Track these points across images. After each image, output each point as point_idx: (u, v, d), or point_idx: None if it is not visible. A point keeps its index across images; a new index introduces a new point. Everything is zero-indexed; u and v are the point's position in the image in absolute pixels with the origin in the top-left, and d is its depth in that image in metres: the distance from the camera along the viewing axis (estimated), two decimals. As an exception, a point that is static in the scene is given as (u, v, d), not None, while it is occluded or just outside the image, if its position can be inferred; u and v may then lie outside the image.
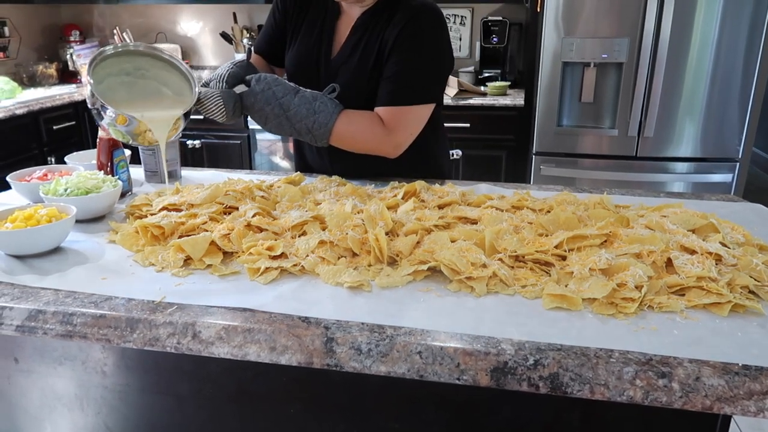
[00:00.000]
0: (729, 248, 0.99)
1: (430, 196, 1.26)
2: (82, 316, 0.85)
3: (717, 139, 2.58)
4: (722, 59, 2.47)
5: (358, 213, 1.15)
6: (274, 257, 0.99)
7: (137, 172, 1.54)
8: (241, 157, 3.24)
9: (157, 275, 0.97)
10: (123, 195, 1.38)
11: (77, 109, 3.14)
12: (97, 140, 1.36)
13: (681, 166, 2.63)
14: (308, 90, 1.28)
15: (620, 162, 2.65)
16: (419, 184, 1.28)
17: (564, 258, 0.98)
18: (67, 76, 3.64)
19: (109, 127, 1.21)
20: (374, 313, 0.84)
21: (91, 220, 1.22)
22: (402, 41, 1.30)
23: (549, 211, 1.17)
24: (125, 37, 3.71)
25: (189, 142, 3.25)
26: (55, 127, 2.96)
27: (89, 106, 1.21)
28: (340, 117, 1.29)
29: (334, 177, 1.44)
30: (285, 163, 3.25)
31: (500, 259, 0.97)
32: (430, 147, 1.50)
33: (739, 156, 2.58)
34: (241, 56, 2.14)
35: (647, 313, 0.85)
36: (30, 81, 3.48)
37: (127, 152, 1.51)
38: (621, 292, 0.87)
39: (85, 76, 1.13)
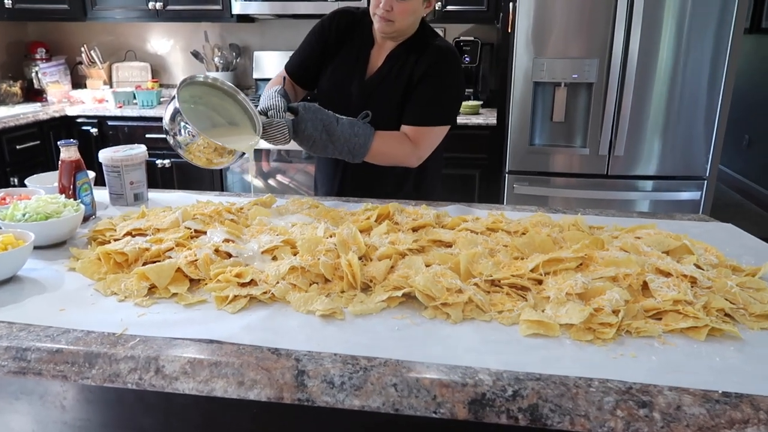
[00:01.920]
0: (703, 270, 0.99)
1: (404, 218, 1.24)
2: (37, 351, 0.80)
3: (685, 157, 2.62)
4: (688, 78, 2.53)
5: (331, 237, 1.12)
6: (243, 284, 0.96)
7: (102, 195, 1.49)
8: (212, 176, 3.19)
9: (120, 305, 0.92)
10: (86, 219, 1.33)
11: (42, 129, 3.06)
12: (59, 162, 1.31)
13: (650, 184, 2.67)
14: (344, 117, 1.44)
15: (592, 180, 2.68)
16: (393, 207, 1.26)
17: (540, 282, 0.97)
18: (32, 94, 3.55)
19: (185, 150, 1.27)
20: (347, 343, 0.81)
21: (51, 246, 1.16)
22: (429, 75, 1.53)
23: (524, 233, 1.16)
24: (93, 55, 3.64)
25: (158, 161, 3.18)
26: (18, 147, 2.87)
27: (166, 128, 1.27)
28: (375, 138, 1.47)
29: (306, 199, 1.41)
30: (258, 182, 3.21)
31: (476, 284, 0.96)
32: (430, 167, 1.65)
33: (707, 174, 2.63)
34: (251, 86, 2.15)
35: (625, 339, 0.83)
36: (-7, 99, 3.38)
37: (91, 174, 1.46)
38: (598, 317, 0.86)
39: (173, 102, 1.25)
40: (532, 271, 0.98)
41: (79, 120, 3.23)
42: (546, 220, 1.22)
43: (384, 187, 1.63)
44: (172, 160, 3.19)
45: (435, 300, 0.91)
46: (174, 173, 3.21)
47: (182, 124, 1.23)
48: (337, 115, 1.43)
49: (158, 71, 3.81)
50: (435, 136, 1.57)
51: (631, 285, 0.94)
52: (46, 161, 3.05)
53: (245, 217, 1.28)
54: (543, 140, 2.75)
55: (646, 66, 2.52)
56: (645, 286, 0.94)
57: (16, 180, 2.85)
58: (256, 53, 3.61)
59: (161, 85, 3.69)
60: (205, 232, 1.15)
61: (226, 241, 1.09)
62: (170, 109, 1.24)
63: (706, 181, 2.64)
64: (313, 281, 0.98)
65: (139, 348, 0.80)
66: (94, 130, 3.22)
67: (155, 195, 1.54)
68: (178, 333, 0.84)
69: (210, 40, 3.65)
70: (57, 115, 3.16)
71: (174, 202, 1.46)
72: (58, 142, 1.31)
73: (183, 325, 0.86)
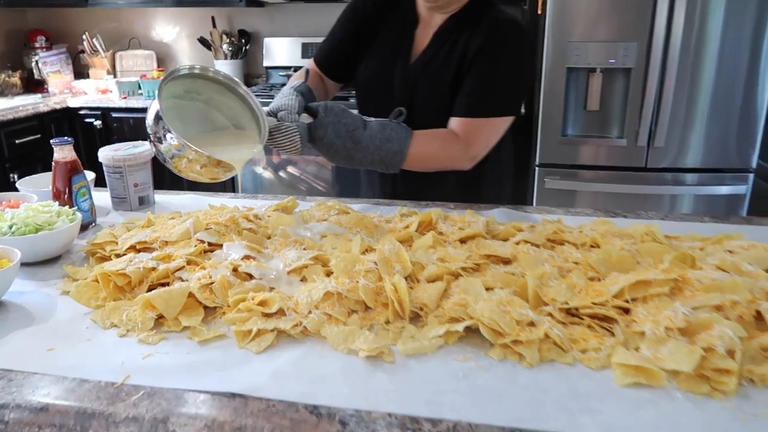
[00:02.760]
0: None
1: (449, 227, 1.07)
2: (17, 409, 0.65)
3: (730, 148, 2.43)
4: (737, 62, 2.33)
5: (366, 251, 0.96)
6: (268, 315, 0.80)
7: (104, 197, 1.33)
8: (222, 170, 3.02)
9: (121, 342, 0.77)
10: (85, 228, 1.17)
11: (43, 122, 2.90)
12: (53, 163, 1.15)
13: (692, 178, 2.48)
14: (373, 119, 1.17)
15: (629, 174, 2.49)
16: (435, 213, 1.09)
17: (627, 311, 0.80)
18: (33, 85, 3.40)
19: (172, 161, 1.01)
20: (403, 397, 0.65)
21: (43, 263, 1.01)
22: (484, 53, 1.24)
23: (594, 246, 0.99)
24: (96, 43, 3.47)
25: (165, 155, 3.02)
26: (17, 141, 2.72)
27: (149, 132, 1.01)
28: (413, 141, 1.18)
29: (332, 202, 1.25)
30: (267, 174, 3.03)
31: (549, 314, 0.79)
32: (493, 166, 1.38)
33: (753, 166, 2.44)
34: (272, 80, 1.89)
35: (749, 390, 0.67)
36: (-8, 90, 3.23)
37: (91, 176, 1.30)
38: (710, 360, 0.69)
39: (155, 102, 0.98)
40: (615, 296, 0.81)
41: (81, 112, 3.08)
42: (615, 230, 1.04)
43: (445, 189, 1.36)
44: (180, 153, 3.03)
45: (504, 336, 0.74)
46: (182, 167, 3.05)
47: (164, 128, 0.97)
48: (365, 117, 1.17)
49: (164, 60, 3.64)
50: (492, 130, 1.27)
51: (741, 316, 0.77)
52: (47, 156, 2.87)
53: (265, 226, 1.11)
54: (576, 131, 2.56)
55: (690, 49, 2.32)
56: (758, 316, 0.77)
57: (16, 176, 2.70)
58: (266, 40, 3.43)
59: (167, 74, 3.52)
60: (220, 246, 0.99)
61: (246, 258, 0.93)
62: (153, 108, 0.98)
63: (752, 174, 2.45)
64: (352, 309, 0.82)
65: (144, 405, 0.64)
66: (97, 123, 3.06)
67: (163, 197, 1.38)
68: (192, 383, 0.68)
69: (218, 26, 3.47)
70: (58, 107, 3.00)
71: (183, 206, 1.30)
72: (51, 141, 1.14)
73: (197, 371, 0.70)
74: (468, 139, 1.25)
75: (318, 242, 1.01)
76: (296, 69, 3.30)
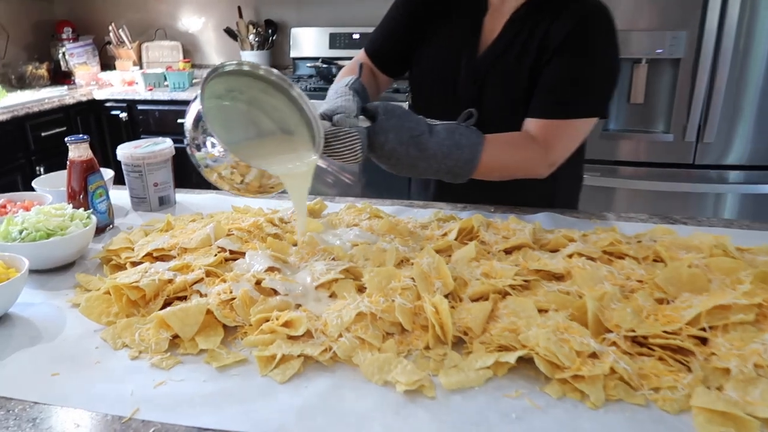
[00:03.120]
0: None
1: (491, 235, 0.97)
2: (13, 447, 0.57)
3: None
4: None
5: (402, 263, 0.87)
6: (294, 337, 0.71)
7: (123, 197, 1.27)
8: (247, 164, 2.96)
9: (132, 366, 0.69)
10: (102, 230, 1.11)
11: (68, 114, 2.87)
12: (67, 162, 1.08)
13: (737, 175, 2.33)
14: (439, 122, 1.00)
15: (675, 171, 2.35)
16: (477, 220, 0.99)
17: (704, 341, 0.70)
18: (60, 76, 3.38)
19: (213, 172, 0.86)
20: (449, 445, 0.56)
21: (55, 270, 0.94)
22: (570, 43, 1.06)
23: (657, 260, 0.89)
24: (122, 34, 3.43)
25: (191, 148, 2.97)
26: (43, 134, 2.69)
27: (187, 137, 0.85)
28: (485, 147, 1.01)
29: (363, 204, 1.16)
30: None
31: (613, 343, 0.69)
32: (567, 171, 1.20)
33: (809, 163, 2.28)
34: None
35: None
36: (19, 82, 3.22)
37: (109, 174, 1.24)
38: (813, 406, 0.58)
39: (195, 104, 0.83)
40: (689, 323, 0.70)
41: (107, 104, 3.04)
42: (679, 240, 0.93)
43: (516, 194, 1.21)
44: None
45: (562, 370, 0.64)
46: (207, 161, 3.00)
47: (205, 133, 0.82)
48: (430, 120, 1.00)
49: (190, 51, 3.59)
50: (574, 134, 1.11)
51: None
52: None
53: (291, 231, 1.03)
54: (618, 125, 2.42)
55: (745, 39, 2.16)
56: None
57: (42, 169, 2.67)
58: (293, 30, 3.35)
59: (193, 66, 3.47)
60: (242, 254, 0.91)
61: (270, 270, 0.85)
62: (193, 110, 0.83)
63: (808, 172, 2.28)
64: (387, 332, 0.73)
65: (154, 446, 0.56)
66: (123, 115, 3.03)
67: (184, 197, 1.31)
68: (208, 419, 0.60)
69: (244, 17, 3.40)
70: (84, 99, 2.97)
71: (205, 207, 1.23)
72: (66, 139, 1.08)
73: (214, 404, 0.62)
74: (547, 143, 1.08)
75: (348, 252, 0.92)
76: (324, 60, 3.23)
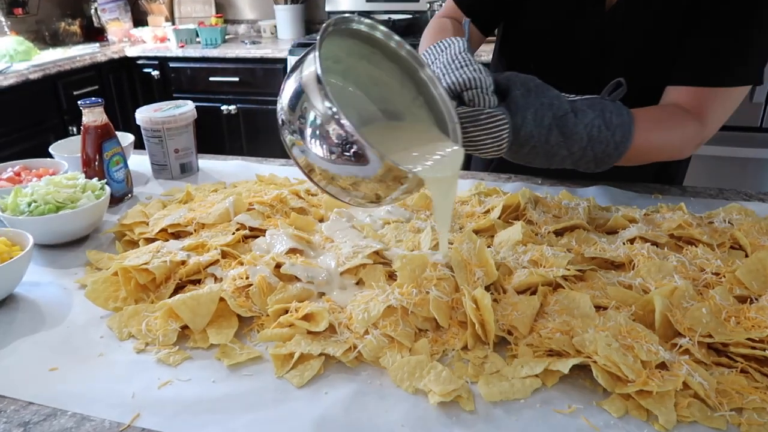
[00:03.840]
0: None
1: (540, 214, 0.86)
2: (1, 456, 0.52)
3: None
4: None
5: (436, 244, 0.77)
6: (315, 333, 0.63)
7: (144, 163, 1.20)
8: (280, 125, 2.87)
9: (137, 360, 0.62)
10: (120, 200, 1.04)
11: (101, 72, 2.82)
12: (81, 127, 1.01)
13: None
14: (578, 96, 0.78)
15: (739, 135, 2.15)
16: (523, 195, 0.88)
17: (798, 351, 0.59)
18: (93, 33, 3.32)
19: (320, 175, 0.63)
20: (489, 475, 0.48)
21: (67, 244, 0.88)
22: None
23: (734, 247, 0.77)
24: (154, -12, 3.34)
25: (223, 107, 2.90)
26: (75, 93, 2.65)
27: (284, 119, 0.63)
28: (636, 126, 0.80)
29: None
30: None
31: (686, 350, 0.59)
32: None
33: None
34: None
35: None
36: (53, 39, 3.18)
37: (128, 140, 1.17)
38: None
39: (305, 72, 0.61)
40: (779, 329, 0.59)
41: (139, 61, 2.98)
42: (760, 224, 0.81)
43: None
44: (239, 105, 2.89)
45: (625, 383, 0.55)
46: (241, 121, 2.93)
47: (315, 118, 0.59)
48: (566, 95, 0.78)
49: (222, 5, 3.47)
50: (729, 104, 0.92)
51: None
52: (106, 109, 2.83)
53: (317, 204, 0.95)
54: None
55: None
56: None
57: (74, 129, 2.65)
58: (328, -18, 3.19)
59: (226, 21, 3.36)
60: (263, 232, 0.84)
61: (292, 252, 0.77)
62: (291, 84, 0.61)
63: None
64: (419, 328, 0.65)
65: (152, 462, 0.50)
66: (155, 73, 2.96)
67: (207, 164, 1.23)
68: (214, 428, 0.53)
69: (277, -31, 3.25)
70: (116, 56, 2.92)
71: (229, 175, 1.16)
72: (79, 102, 1.01)
73: (223, 410, 0.55)
74: (701, 116, 0.90)
75: (379, 232, 0.83)
76: (362, 14, 3.06)
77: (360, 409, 0.55)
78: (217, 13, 3.41)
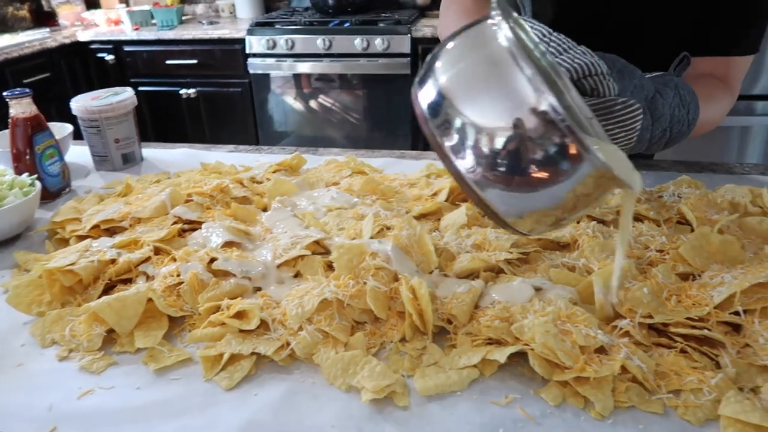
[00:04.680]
0: None
1: (487, 194, 0.84)
2: None
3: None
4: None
5: (383, 231, 0.75)
6: (247, 332, 0.61)
7: (84, 153, 1.14)
8: (243, 108, 2.80)
9: (58, 369, 0.59)
10: (57, 194, 1.00)
11: (52, 58, 2.72)
12: (9, 119, 0.96)
13: (765, 106, 2.13)
14: (646, 74, 0.71)
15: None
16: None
17: (737, 328, 0.58)
18: (43, 18, 3.19)
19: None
20: (419, 474, 0.46)
21: (-5, 245, 0.84)
22: None
23: (681, 222, 0.76)
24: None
25: (182, 90, 2.82)
26: (26, 81, 2.55)
27: (434, 121, 0.49)
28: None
29: (347, 158, 1.03)
30: (298, 105, 2.77)
31: (626, 333, 0.57)
32: None
33: None
34: None
35: None
36: (0, 25, 3.04)
37: (67, 130, 1.12)
38: None
39: (466, 56, 0.50)
40: (719, 307, 0.58)
41: (92, 46, 2.87)
42: (708, 197, 0.80)
43: None
44: (199, 89, 2.81)
45: (563, 370, 0.53)
46: (201, 104, 2.85)
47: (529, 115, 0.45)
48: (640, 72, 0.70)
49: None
50: (746, 72, 0.94)
51: None
52: (60, 96, 2.72)
53: (262, 192, 0.91)
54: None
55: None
56: None
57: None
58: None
59: (182, 1, 3.26)
60: (200, 224, 0.80)
61: (228, 246, 0.74)
62: (471, 76, 0.49)
63: None
64: (357, 321, 0.62)
65: (65, 480, 0.47)
66: (110, 57, 2.86)
67: (152, 153, 1.19)
68: (135, 441, 0.50)
69: (234, -55, 3.14)
70: (67, 41, 2.80)
71: (175, 164, 1.11)
72: (4, 94, 0.95)
73: (145, 418, 0.52)
74: (731, 86, 0.90)
75: (321, 220, 0.80)
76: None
77: (290, 410, 0.53)
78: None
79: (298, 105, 2.79)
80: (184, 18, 3.06)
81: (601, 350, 0.55)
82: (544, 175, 0.47)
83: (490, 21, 0.48)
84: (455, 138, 0.48)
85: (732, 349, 0.55)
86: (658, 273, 0.63)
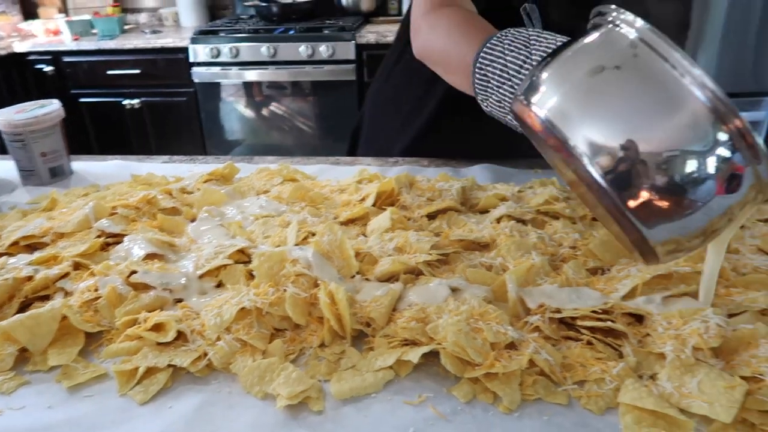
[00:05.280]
0: None
1: (414, 198, 0.86)
2: None
3: (745, 71, 2.16)
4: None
5: (309, 239, 0.75)
6: (165, 344, 0.60)
7: (10, 168, 1.11)
8: (189, 118, 2.76)
9: (-33, 391, 0.58)
10: (-22, 212, 0.96)
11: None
12: (-76, 137, 0.93)
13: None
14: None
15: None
16: (398, 180, 0.87)
17: (640, 319, 0.60)
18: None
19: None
20: (328, 478, 0.47)
21: None
22: None
23: (596, 219, 0.78)
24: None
25: (126, 101, 2.76)
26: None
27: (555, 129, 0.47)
28: None
29: (280, 165, 1.03)
30: (249, 113, 2.75)
31: (536, 328, 0.59)
32: None
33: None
34: None
35: (811, 441, 0.48)
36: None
37: (-12, 145, 1.08)
38: (755, 397, 0.50)
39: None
40: (625, 298, 0.61)
41: (30, 57, 2.79)
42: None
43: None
44: (143, 99, 2.76)
45: (474, 367, 0.55)
46: (145, 115, 2.80)
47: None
48: None
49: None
50: None
51: (796, 324, 0.57)
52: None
53: (191, 203, 0.90)
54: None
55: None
56: (819, 324, 0.58)
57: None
58: (230, -35, 3.07)
59: (124, 10, 3.20)
60: (122, 238, 0.79)
61: (151, 258, 0.73)
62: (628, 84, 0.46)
63: (772, 98, 2.19)
64: (277, 329, 0.63)
65: (-36, 506, 0.46)
66: (49, 69, 2.78)
67: (83, 165, 1.16)
68: (41, 462, 0.49)
69: (176, -47, 3.10)
70: (3, 53, 2.72)
71: (106, 177, 1.09)
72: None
73: (56, 438, 0.51)
74: None
75: (248, 228, 0.80)
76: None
77: (205, 421, 0.53)
78: (114, 1, 3.23)
79: (249, 113, 2.77)
80: (126, 27, 3.01)
81: (511, 346, 0.57)
82: (712, 190, 0.43)
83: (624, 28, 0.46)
84: (607, 154, 0.44)
85: (634, 339, 0.58)
86: (569, 269, 0.65)
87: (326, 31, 2.53)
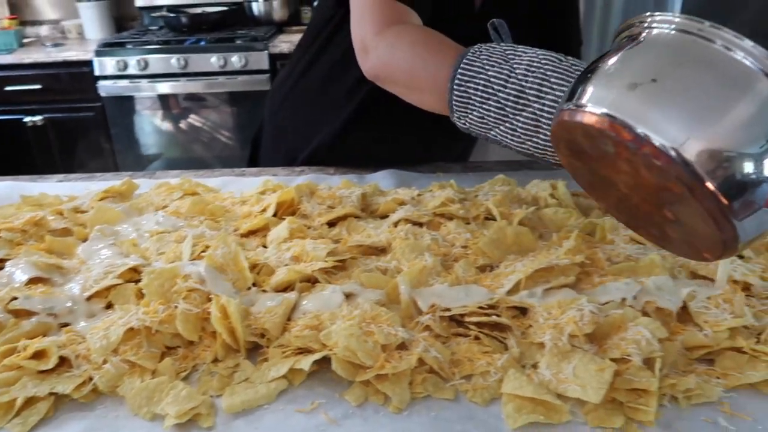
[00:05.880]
0: (752, 266, 0.68)
1: (314, 206, 0.86)
2: None
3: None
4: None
5: (205, 252, 0.74)
6: (46, 372, 0.58)
7: None
8: (97, 133, 2.65)
9: None
10: None
11: None
12: None
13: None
14: None
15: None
16: (299, 189, 0.88)
17: (525, 312, 0.63)
18: None
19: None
20: (213, 494, 0.46)
21: None
22: None
23: (489, 218, 0.82)
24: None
25: (27, 118, 2.61)
26: None
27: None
28: None
29: (181, 180, 1.01)
30: (167, 126, 2.65)
31: (427, 327, 0.61)
32: None
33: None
34: None
35: (670, 413, 0.52)
36: None
37: None
38: (625, 377, 0.54)
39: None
40: (510, 293, 0.64)
41: None
42: (518, 193, 0.87)
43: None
44: (46, 115, 2.62)
45: (364, 370, 0.56)
46: (49, 132, 2.65)
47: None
48: None
49: (18, 5, 3.10)
50: None
51: (660, 307, 0.62)
52: None
53: (84, 223, 0.87)
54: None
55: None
56: (682, 305, 0.63)
57: None
58: (136, -25, 2.97)
59: (23, 23, 3.02)
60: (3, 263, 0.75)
61: (35, 282, 0.69)
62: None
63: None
64: (168, 347, 0.61)
65: None
66: (-63, 88, 2.59)
67: (-31, 189, 1.09)
68: None
69: (77, -38, 2.97)
70: None
71: (-4, 198, 1.03)
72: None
73: None
74: None
75: (142, 246, 0.78)
76: (170, 9, 2.86)
77: (88, 448, 0.51)
78: (11, 14, 3.05)
79: (166, 126, 2.68)
80: (25, 41, 2.85)
81: (402, 347, 0.59)
82: None
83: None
84: (709, 156, 0.42)
85: (518, 331, 0.61)
86: (459, 268, 0.68)
87: (238, 42, 2.49)
